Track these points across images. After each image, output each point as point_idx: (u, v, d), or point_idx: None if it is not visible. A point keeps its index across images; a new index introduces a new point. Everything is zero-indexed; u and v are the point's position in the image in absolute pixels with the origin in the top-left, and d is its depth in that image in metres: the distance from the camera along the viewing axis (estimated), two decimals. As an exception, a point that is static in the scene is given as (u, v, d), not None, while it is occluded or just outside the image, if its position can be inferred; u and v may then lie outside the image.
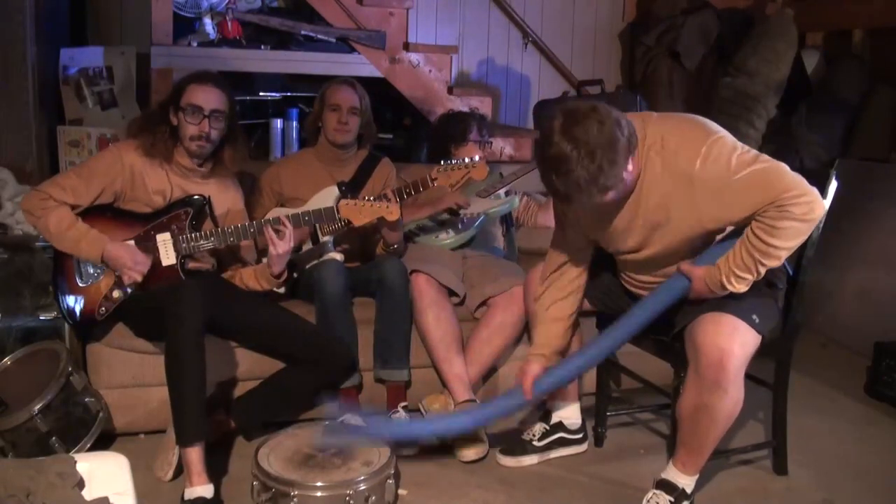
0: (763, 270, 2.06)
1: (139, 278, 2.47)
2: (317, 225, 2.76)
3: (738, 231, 2.10)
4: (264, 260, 2.64)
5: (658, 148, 2.05)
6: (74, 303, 2.51)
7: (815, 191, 2.00)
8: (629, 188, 2.09)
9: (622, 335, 2.23)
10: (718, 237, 2.17)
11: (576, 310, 2.41)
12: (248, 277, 2.68)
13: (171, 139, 2.56)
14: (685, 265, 2.15)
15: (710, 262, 2.12)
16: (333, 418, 2.55)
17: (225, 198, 2.70)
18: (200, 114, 2.50)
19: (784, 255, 2.05)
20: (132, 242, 2.51)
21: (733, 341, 2.09)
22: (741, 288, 2.08)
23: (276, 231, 2.55)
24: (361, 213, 2.64)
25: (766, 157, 2.05)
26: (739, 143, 2.07)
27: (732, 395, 2.13)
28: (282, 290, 2.74)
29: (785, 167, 2.02)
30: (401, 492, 2.37)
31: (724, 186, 2.00)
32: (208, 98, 2.52)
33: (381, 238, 2.88)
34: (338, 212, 2.64)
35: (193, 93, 2.52)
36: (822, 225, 2.34)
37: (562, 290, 2.38)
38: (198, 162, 2.59)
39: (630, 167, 2.01)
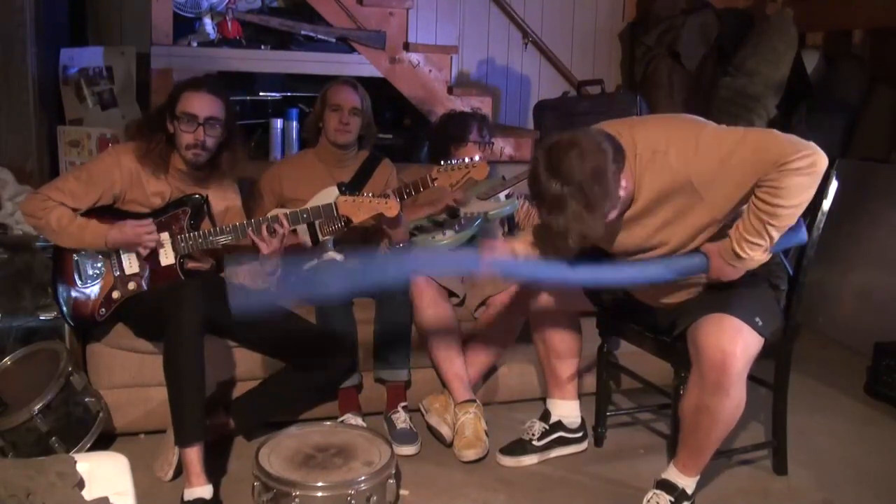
0: (775, 234, 2.03)
1: (153, 242, 2.46)
2: (317, 224, 2.76)
3: None
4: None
5: (650, 153, 2.06)
6: (74, 303, 2.51)
7: (812, 144, 1.98)
8: (628, 201, 2.09)
9: (619, 277, 2.21)
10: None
11: None
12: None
13: (168, 147, 2.55)
14: (703, 246, 2.15)
15: None
16: None
17: (223, 197, 2.70)
18: (195, 122, 2.49)
19: (794, 213, 2.02)
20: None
21: (736, 344, 2.09)
22: (756, 255, 2.06)
23: (272, 230, 2.54)
24: (360, 209, 2.63)
25: (753, 128, 2.06)
26: (724, 126, 2.07)
27: (734, 398, 2.13)
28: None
29: (776, 131, 2.01)
30: (402, 492, 2.37)
31: (719, 165, 2.00)
32: (203, 105, 2.50)
33: (386, 237, 2.87)
34: (336, 209, 2.63)
35: (188, 100, 2.50)
36: (822, 225, 2.34)
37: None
38: (194, 167, 2.59)
39: (624, 183, 2.02)
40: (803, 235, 2.22)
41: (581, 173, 1.92)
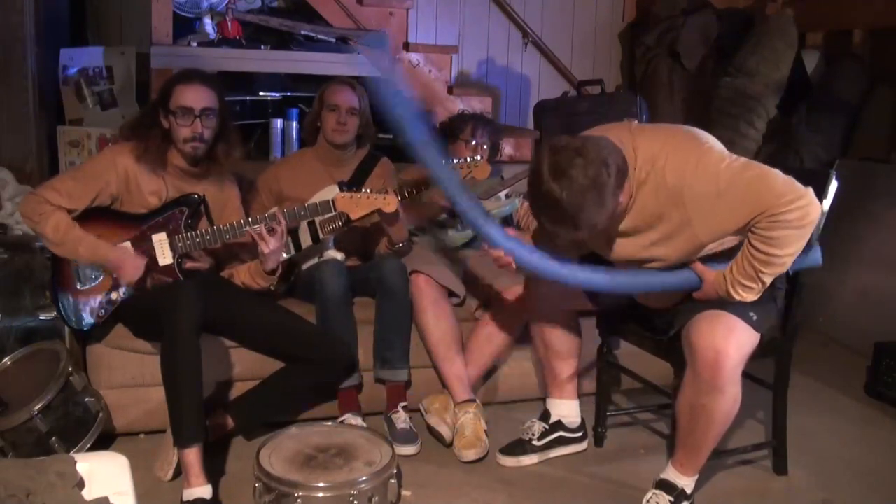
0: (767, 279, 2.05)
1: (134, 282, 2.47)
2: (317, 223, 2.76)
3: None
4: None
5: (649, 166, 2.06)
6: (73, 305, 2.51)
7: (808, 192, 1.98)
8: (623, 211, 2.09)
9: (610, 284, 2.21)
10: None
11: None
12: (244, 275, 2.67)
13: (164, 143, 2.54)
14: (700, 266, 2.15)
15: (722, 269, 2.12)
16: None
17: (221, 196, 2.69)
18: (191, 114, 2.47)
19: (787, 261, 2.03)
20: (129, 244, 2.50)
21: (729, 342, 2.09)
22: (749, 297, 2.08)
23: (271, 229, 2.54)
24: (358, 205, 2.63)
25: (755, 163, 2.04)
26: (727, 153, 2.07)
27: (729, 396, 2.13)
28: (280, 288, 2.74)
29: (775, 172, 2.01)
30: (403, 492, 2.37)
31: (715, 198, 2.00)
32: (197, 97, 2.49)
33: (386, 236, 2.86)
34: (333, 205, 2.63)
35: (181, 94, 2.49)
36: (822, 225, 2.34)
37: None
38: (192, 162, 2.58)
39: (622, 198, 2.03)
40: (817, 257, 2.23)
41: (583, 183, 1.92)
